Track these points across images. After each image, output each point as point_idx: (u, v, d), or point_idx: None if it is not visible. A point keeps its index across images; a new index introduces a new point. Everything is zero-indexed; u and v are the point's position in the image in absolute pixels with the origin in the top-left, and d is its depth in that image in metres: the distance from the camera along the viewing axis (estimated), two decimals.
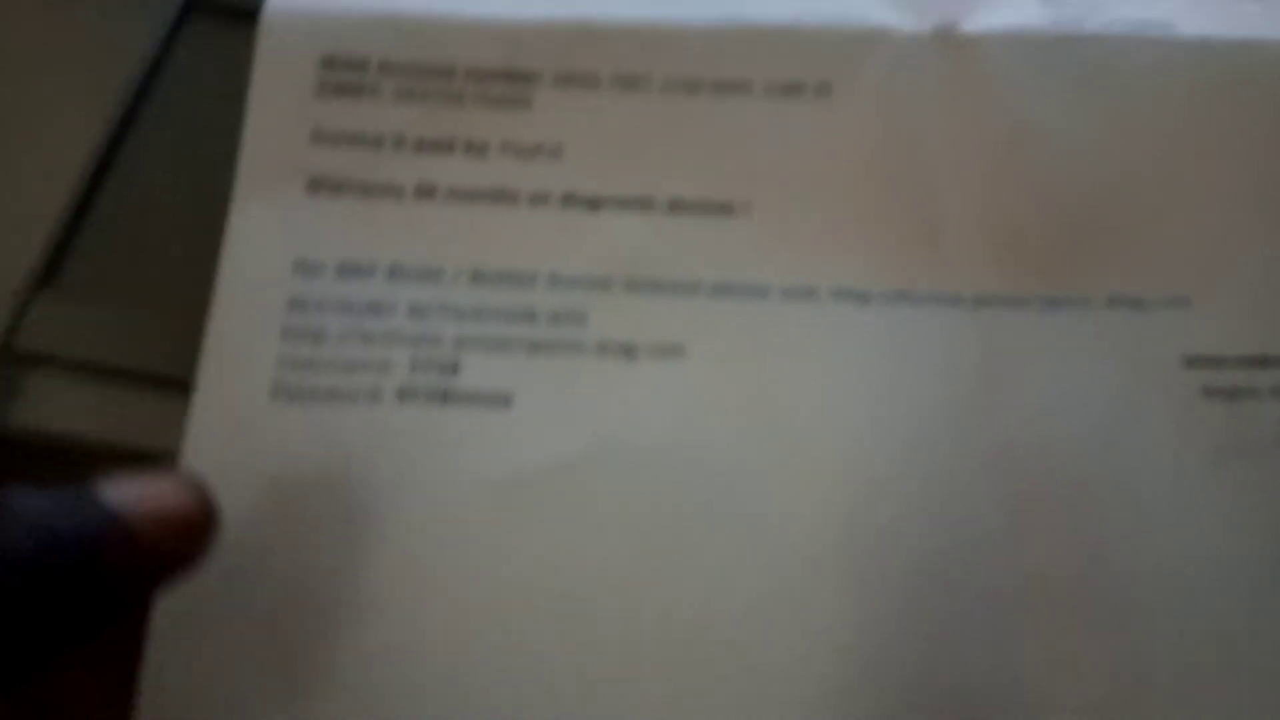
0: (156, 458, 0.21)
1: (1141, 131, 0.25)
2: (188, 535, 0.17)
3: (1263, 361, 0.23)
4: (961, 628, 0.20)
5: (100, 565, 0.16)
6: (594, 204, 0.23)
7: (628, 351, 0.22)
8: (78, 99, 0.25)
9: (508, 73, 0.24)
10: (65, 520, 0.15)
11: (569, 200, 0.23)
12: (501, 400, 0.21)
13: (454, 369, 0.21)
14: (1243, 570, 0.21)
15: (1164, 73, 0.26)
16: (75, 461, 0.22)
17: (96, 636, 0.16)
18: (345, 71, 0.24)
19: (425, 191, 0.23)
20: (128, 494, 0.16)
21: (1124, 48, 0.26)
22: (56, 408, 0.22)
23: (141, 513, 0.16)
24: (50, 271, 0.23)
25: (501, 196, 0.23)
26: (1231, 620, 0.20)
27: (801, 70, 0.25)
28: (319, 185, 0.23)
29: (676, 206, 0.24)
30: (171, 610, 0.19)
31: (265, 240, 0.22)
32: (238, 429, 0.20)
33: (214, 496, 0.17)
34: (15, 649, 0.15)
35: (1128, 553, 0.21)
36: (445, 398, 0.21)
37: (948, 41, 0.25)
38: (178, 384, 0.21)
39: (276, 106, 0.23)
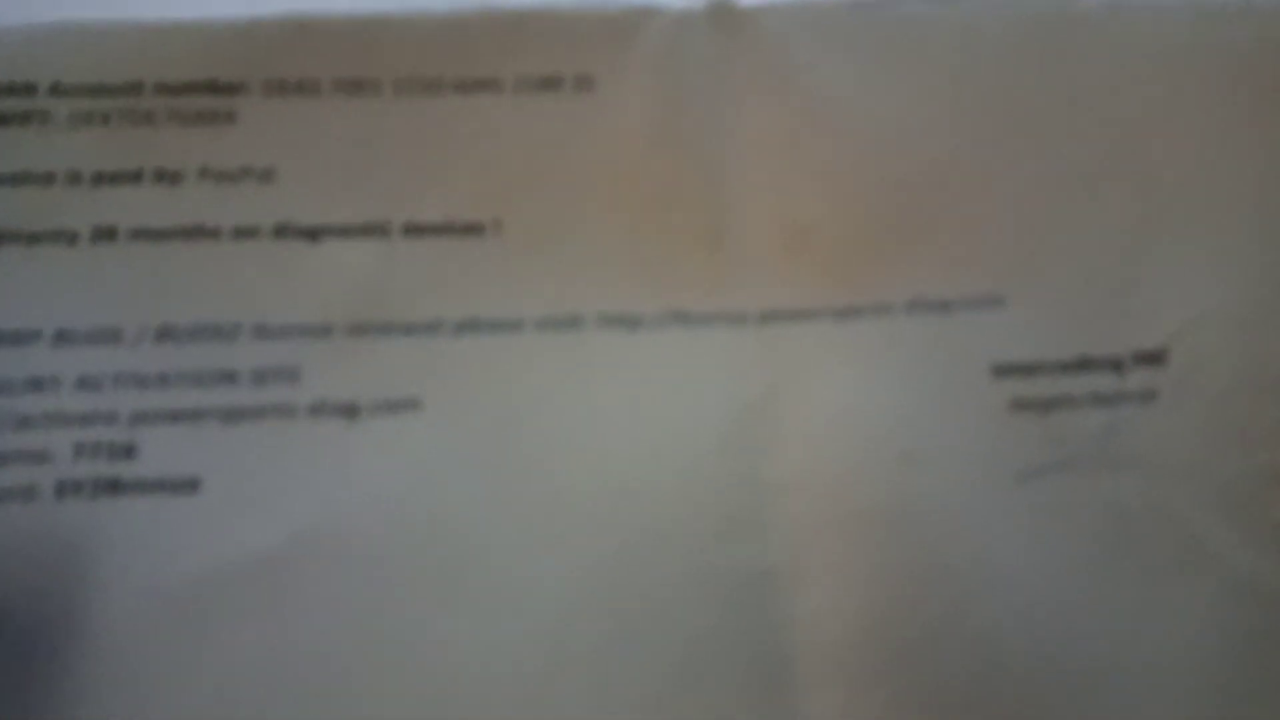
0: None
1: (948, 110, 0.22)
2: None
3: (1080, 366, 0.20)
4: (742, 686, 0.18)
5: None
6: (313, 234, 0.20)
7: (349, 411, 0.19)
8: None
9: (206, 84, 0.21)
10: None
11: (282, 232, 0.20)
12: (187, 485, 0.18)
13: (129, 452, 0.18)
14: (1051, 591, 0.19)
15: (972, 43, 0.23)
16: None
17: None
18: (8, 99, 0.20)
19: (103, 234, 0.20)
20: None
21: (926, 16, 0.23)
22: None
23: None
24: None
25: (198, 233, 0.20)
26: (1042, 641, 0.19)
27: (558, 61, 0.22)
28: None
29: (413, 230, 0.20)
30: None
31: None
32: None
33: None
34: None
35: (929, 588, 0.19)
36: (116, 488, 0.18)
37: (725, 17, 0.22)
38: None
39: None
